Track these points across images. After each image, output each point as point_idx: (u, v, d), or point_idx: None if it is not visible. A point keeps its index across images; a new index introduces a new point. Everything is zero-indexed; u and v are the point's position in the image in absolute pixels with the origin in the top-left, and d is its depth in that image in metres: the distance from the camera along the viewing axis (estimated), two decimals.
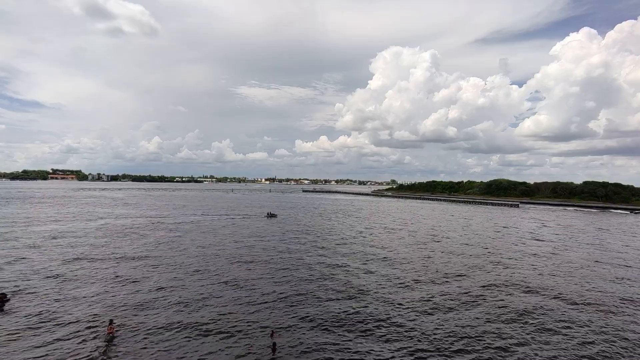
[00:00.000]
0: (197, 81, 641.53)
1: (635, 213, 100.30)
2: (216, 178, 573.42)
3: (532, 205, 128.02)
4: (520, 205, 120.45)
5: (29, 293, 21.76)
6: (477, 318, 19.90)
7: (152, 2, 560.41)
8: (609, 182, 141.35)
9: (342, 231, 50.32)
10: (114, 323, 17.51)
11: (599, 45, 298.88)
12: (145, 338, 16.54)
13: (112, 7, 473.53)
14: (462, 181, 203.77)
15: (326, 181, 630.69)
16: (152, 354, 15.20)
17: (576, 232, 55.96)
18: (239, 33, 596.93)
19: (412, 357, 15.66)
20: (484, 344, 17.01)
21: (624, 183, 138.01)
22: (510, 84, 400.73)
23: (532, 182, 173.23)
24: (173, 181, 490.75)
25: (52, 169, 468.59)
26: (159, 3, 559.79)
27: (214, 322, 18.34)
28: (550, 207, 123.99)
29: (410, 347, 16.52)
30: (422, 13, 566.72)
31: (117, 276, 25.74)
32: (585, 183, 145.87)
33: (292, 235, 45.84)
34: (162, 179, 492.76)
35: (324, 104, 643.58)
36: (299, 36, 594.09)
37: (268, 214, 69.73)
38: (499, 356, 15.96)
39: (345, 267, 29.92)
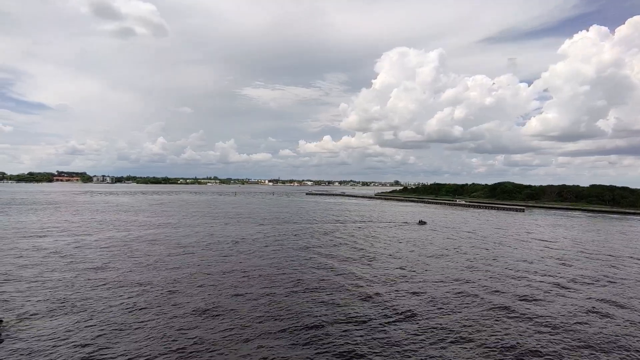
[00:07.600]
0: (201, 82, 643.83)
1: None
2: (220, 180, 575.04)
3: (537, 209, 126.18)
4: (525, 210, 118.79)
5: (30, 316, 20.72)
6: None
7: (154, 2, 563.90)
8: (616, 184, 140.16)
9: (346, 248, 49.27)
10: None
11: (609, 42, 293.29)
12: None
13: (121, 6, 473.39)
14: (467, 184, 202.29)
15: (329, 182, 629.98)
16: None
17: (599, 252, 54.29)
18: (243, 34, 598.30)
19: None
20: None
21: (631, 183, 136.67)
22: (519, 83, 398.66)
23: (537, 185, 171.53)
24: (177, 183, 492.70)
25: (57, 171, 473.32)
26: (161, 3, 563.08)
27: None
28: (557, 210, 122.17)
29: None
30: (428, 11, 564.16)
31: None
32: (592, 187, 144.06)
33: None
34: (166, 181, 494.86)
35: (328, 105, 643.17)
36: (304, 36, 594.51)
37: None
38: None
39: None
